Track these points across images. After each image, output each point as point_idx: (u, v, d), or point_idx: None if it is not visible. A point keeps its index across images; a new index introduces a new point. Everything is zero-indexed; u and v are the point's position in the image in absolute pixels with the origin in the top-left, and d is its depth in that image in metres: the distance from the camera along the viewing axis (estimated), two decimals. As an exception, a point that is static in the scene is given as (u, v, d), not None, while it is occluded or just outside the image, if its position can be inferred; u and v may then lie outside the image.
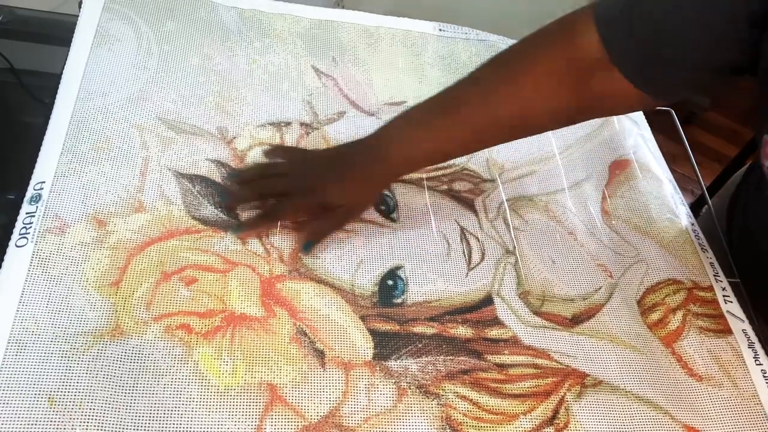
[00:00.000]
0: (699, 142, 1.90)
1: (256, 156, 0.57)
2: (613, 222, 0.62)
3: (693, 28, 0.45)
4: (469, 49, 0.73)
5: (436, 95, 0.53)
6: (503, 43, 0.74)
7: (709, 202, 0.72)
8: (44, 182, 0.50)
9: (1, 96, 0.63)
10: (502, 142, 0.58)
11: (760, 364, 0.54)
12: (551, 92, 0.50)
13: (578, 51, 0.49)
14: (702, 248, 0.62)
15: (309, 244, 0.52)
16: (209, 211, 0.53)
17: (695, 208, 1.33)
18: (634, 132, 0.71)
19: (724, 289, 0.59)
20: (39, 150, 0.51)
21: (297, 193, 0.53)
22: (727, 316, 0.57)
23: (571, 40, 0.49)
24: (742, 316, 0.57)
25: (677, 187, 0.67)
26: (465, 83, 0.53)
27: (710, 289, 0.58)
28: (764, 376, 0.53)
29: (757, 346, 0.55)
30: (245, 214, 0.53)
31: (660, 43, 0.46)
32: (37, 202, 0.49)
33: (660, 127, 0.79)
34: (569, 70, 0.49)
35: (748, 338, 0.56)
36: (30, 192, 0.49)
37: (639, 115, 0.74)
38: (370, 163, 0.53)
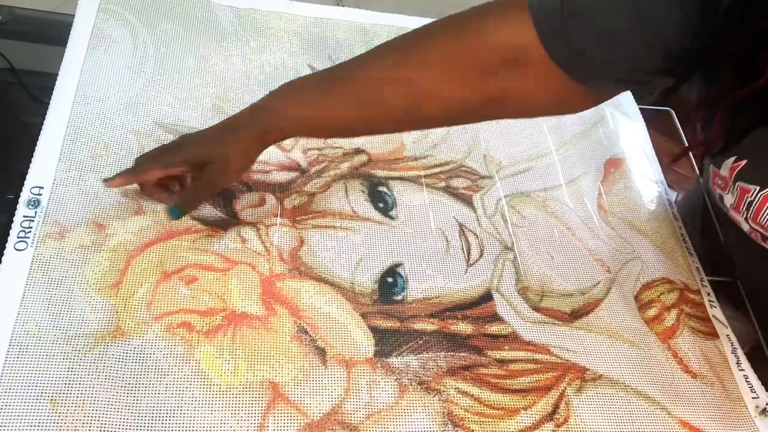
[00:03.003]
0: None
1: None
2: (609, 218, 0.63)
3: (627, 30, 0.41)
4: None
5: (337, 65, 0.49)
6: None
7: (709, 203, 0.72)
8: (42, 187, 0.50)
9: (1, 96, 0.62)
10: (391, 131, 0.54)
11: (742, 370, 0.55)
12: (454, 82, 0.45)
13: (507, 38, 0.44)
14: (689, 252, 0.62)
15: (174, 209, 0.49)
16: (208, 210, 0.53)
17: None
18: (629, 130, 0.71)
19: (709, 294, 0.60)
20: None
21: (160, 152, 0.50)
22: (713, 320, 0.57)
23: (498, 26, 0.44)
24: (725, 322, 0.58)
25: (668, 190, 0.67)
26: (366, 56, 0.48)
27: (698, 292, 0.59)
28: (747, 381, 0.54)
29: (739, 352, 0.56)
30: (243, 212, 0.53)
31: (592, 35, 0.42)
32: (36, 207, 0.49)
33: (660, 127, 0.79)
34: (485, 60, 0.44)
35: (732, 344, 0.56)
36: (27, 194, 0.49)
37: (636, 113, 0.74)
38: (242, 120, 0.48)
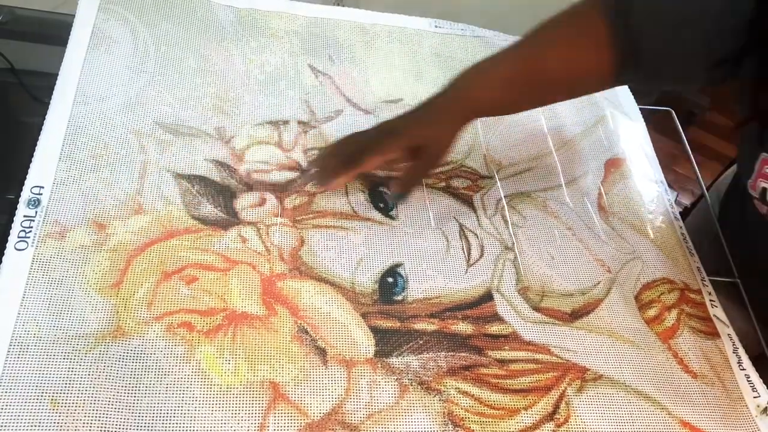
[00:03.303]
0: (699, 142, 1.90)
1: (254, 154, 0.57)
2: (610, 218, 0.63)
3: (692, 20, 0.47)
4: (465, 45, 0.73)
5: (501, 51, 0.56)
6: (498, 39, 0.75)
7: (709, 201, 0.73)
8: (43, 187, 0.50)
9: (2, 96, 0.63)
10: (551, 102, 0.62)
11: (744, 369, 0.55)
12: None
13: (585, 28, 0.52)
14: (690, 252, 0.62)
15: (398, 196, 0.57)
16: (209, 210, 0.53)
17: (695, 208, 1.33)
18: (629, 130, 0.71)
19: (710, 293, 0.60)
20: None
21: (376, 140, 0.55)
22: (714, 320, 0.57)
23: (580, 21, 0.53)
24: (727, 321, 0.58)
25: (668, 190, 0.67)
26: (519, 44, 0.56)
27: (699, 292, 0.59)
28: (748, 381, 0.54)
29: (741, 352, 0.56)
30: (244, 212, 0.53)
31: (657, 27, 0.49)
32: (36, 207, 0.49)
33: (660, 127, 0.79)
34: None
35: (733, 343, 0.56)
36: (27, 194, 0.49)
37: (636, 113, 0.74)
38: (444, 102, 0.55)
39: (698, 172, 0.74)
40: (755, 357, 0.57)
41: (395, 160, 0.56)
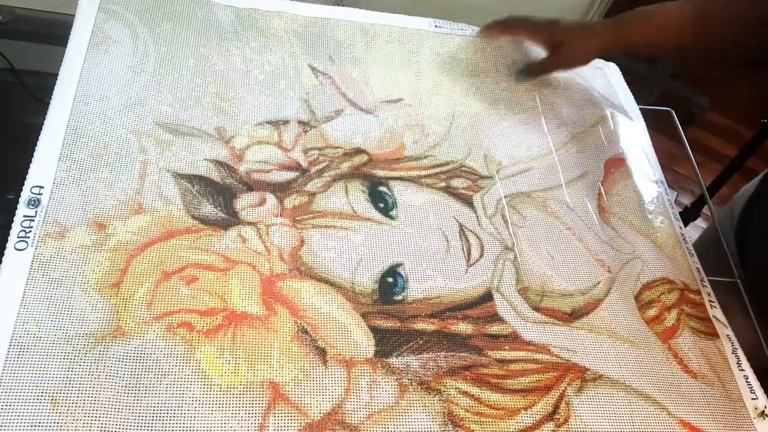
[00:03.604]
0: (699, 142, 1.91)
1: (254, 154, 0.57)
2: (610, 218, 0.63)
3: None
4: (465, 46, 0.73)
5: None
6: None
7: (709, 201, 0.73)
8: (43, 187, 0.50)
9: (2, 96, 0.63)
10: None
11: (743, 370, 0.55)
12: None
13: None
14: (690, 252, 0.62)
15: (523, 76, 0.69)
16: (209, 210, 0.53)
17: (695, 208, 1.34)
18: (629, 130, 0.71)
19: (709, 294, 0.60)
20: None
21: (539, 21, 0.67)
22: (713, 320, 0.57)
23: None
24: (725, 321, 0.58)
25: (668, 190, 0.67)
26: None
27: (698, 292, 0.59)
28: (747, 382, 0.54)
29: (740, 352, 0.56)
30: (244, 212, 0.53)
31: None
32: (36, 207, 0.49)
33: (660, 127, 0.79)
34: None
35: (732, 344, 0.56)
36: (27, 194, 0.49)
37: (636, 113, 0.74)
38: (601, 25, 0.65)
39: (698, 172, 0.74)
40: (764, 369, 0.57)
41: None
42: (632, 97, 0.76)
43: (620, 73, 0.78)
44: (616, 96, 0.75)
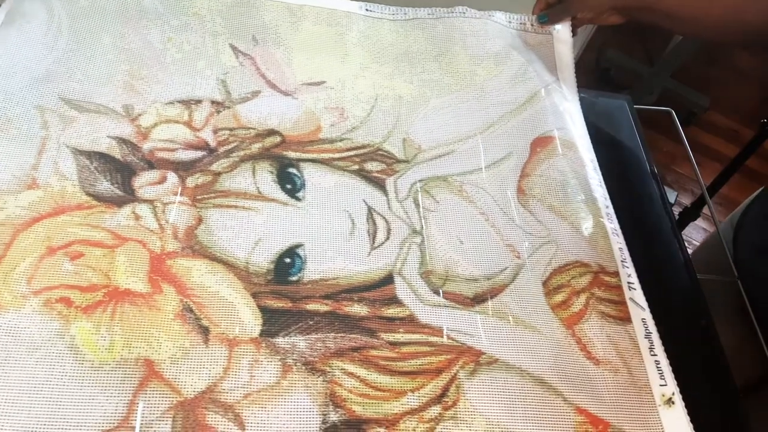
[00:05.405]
0: (699, 142, 1.90)
1: (160, 133, 0.57)
2: (528, 201, 0.62)
3: None
4: (396, 28, 0.72)
5: None
6: (433, 18, 0.73)
7: (709, 201, 0.72)
8: None
9: None
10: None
11: (655, 355, 0.54)
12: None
13: None
14: (614, 233, 0.61)
15: (542, 16, 0.73)
16: (104, 187, 0.52)
17: (695, 208, 1.33)
18: (562, 108, 0.70)
19: (629, 275, 0.58)
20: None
21: None
22: (629, 303, 0.56)
23: None
24: (644, 304, 0.57)
25: (598, 169, 0.66)
26: None
27: (616, 274, 0.58)
28: (657, 368, 0.53)
29: (654, 337, 0.55)
30: (141, 190, 0.53)
31: None
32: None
33: (660, 127, 0.79)
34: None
35: (646, 328, 0.55)
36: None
37: (572, 95, 0.73)
38: None
39: (698, 172, 0.74)
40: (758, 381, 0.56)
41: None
42: (573, 70, 0.74)
43: (571, 42, 0.75)
44: (555, 70, 0.73)
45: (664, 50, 1.93)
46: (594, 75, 1.95)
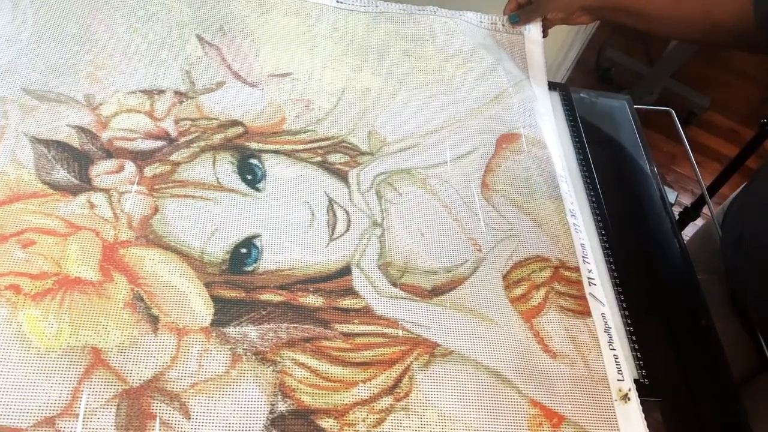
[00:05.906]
0: (699, 142, 1.89)
1: (120, 122, 0.57)
2: (492, 196, 0.62)
3: None
4: (366, 21, 0.72)
5: None
6: (405, 13, 0.73)
7: (709, 201, 0.72)
8: None
9: None
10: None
11: (614, 350, 0.54)
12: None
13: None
14: (576, 228, 0.61)
15: (513, 17, 0.74)
16: (61, 175, 0.52)
17: (695, 208, 1.33)
18: (530, 105, 0.70)
19: (590, 271, 0.58)
20: None
21: None
22: (588, 298, 0.56)
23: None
24: (604, 300, 0.57)
25: (566, 166, 0.66)
26: None
27: (576, 269, 0.58)
28: (616, 362, 0.53)
29: (613, 332, 0.55)
30: (98, 179, 0.53)
31: None
32: None
33: (660, 127, 0.79)
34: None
35: (606, 322, 0.55)
36: None
37: (543, 92, 0.73)
38: None
39: (698, 172, 0.73)
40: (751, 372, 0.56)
41: None
42: (544, 70, 0.74)
43: (542, 41, 0.76)
44: (527, 68, 0.73)
45: (664, 50, 1.92)
46: (594, 75, 1.95)
